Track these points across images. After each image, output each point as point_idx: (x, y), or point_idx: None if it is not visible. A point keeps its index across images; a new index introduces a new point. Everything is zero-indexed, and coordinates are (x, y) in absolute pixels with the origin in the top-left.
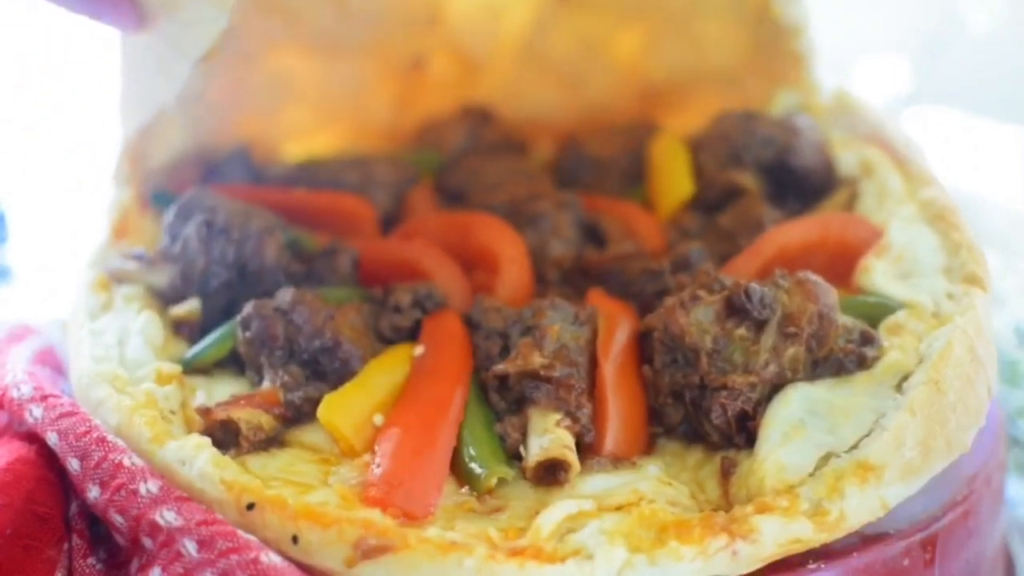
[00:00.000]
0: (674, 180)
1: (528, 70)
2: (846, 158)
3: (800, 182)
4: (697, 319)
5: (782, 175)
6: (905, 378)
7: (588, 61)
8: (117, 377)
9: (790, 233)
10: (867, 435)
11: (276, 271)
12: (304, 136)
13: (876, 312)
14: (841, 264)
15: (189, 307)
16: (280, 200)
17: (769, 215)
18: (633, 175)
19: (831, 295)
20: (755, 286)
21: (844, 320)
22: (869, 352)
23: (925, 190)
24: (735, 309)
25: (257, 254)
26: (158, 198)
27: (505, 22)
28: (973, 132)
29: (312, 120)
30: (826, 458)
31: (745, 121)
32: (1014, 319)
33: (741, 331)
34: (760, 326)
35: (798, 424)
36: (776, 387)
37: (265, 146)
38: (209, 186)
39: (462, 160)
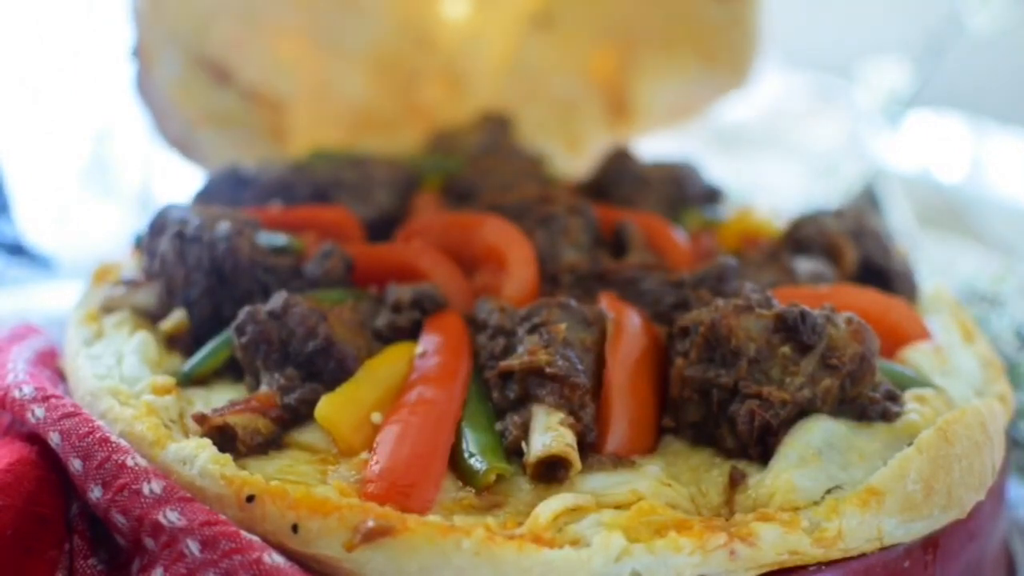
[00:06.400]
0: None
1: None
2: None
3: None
4: (747, 325)
5: (876, 277)
6: None
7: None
8: (119, 391)
9: (856, 294)
10: None
11: (254, 268)
12: (307, 133)
13: (908, 382)
14: (885, 344)
15: (175, 319)
16: (262, 219)
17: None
18: (672, 202)
19: (876, 343)
20: (811, 311)
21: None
22: (893, 408)
23: (979, 347)
24: (785, 327)
25: (230, 254)
26: (140, 240)
27: (491, 44)
28: (974, 133)
29: (313, 119)
30: (831, 492)
31: (876, 223)
32: (1015, 321)
33: (785, 349)
34: (804, 350)
35: (816, 453)
36: (802, 412)
37: (273, 133)
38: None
39: (475, 160)
